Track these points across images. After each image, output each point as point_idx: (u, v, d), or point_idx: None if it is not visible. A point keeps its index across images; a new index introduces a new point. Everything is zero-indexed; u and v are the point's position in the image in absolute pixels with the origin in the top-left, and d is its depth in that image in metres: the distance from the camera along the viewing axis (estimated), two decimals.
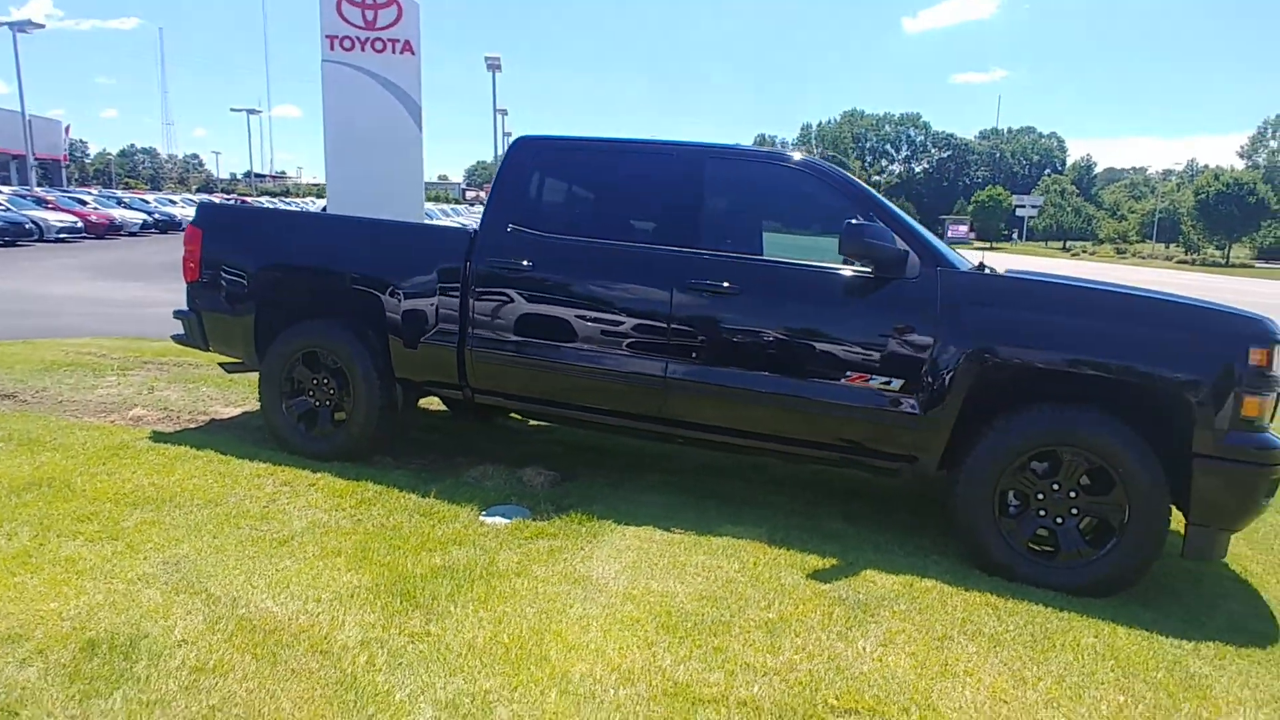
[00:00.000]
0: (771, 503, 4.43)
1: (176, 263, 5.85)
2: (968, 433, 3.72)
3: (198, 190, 78.30)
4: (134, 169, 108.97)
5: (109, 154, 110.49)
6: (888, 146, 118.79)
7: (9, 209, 24.81)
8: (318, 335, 4.74)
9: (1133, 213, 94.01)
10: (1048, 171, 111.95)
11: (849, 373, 3.82)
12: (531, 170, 4.54)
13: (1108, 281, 4.52)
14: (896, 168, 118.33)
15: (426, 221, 5.15)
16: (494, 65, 32.21)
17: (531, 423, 5.95)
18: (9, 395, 5.78)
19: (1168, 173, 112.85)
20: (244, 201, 43.82)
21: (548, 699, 2.46)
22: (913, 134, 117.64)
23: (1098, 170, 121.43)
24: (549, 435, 5.73)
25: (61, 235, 25.26)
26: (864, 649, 2.89)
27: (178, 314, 5.15)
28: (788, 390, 3.91)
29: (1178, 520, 3.65)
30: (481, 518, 3.91)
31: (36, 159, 45.12)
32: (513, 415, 5.88)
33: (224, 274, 4.92)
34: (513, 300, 4.34)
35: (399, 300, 4.51)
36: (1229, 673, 3.03)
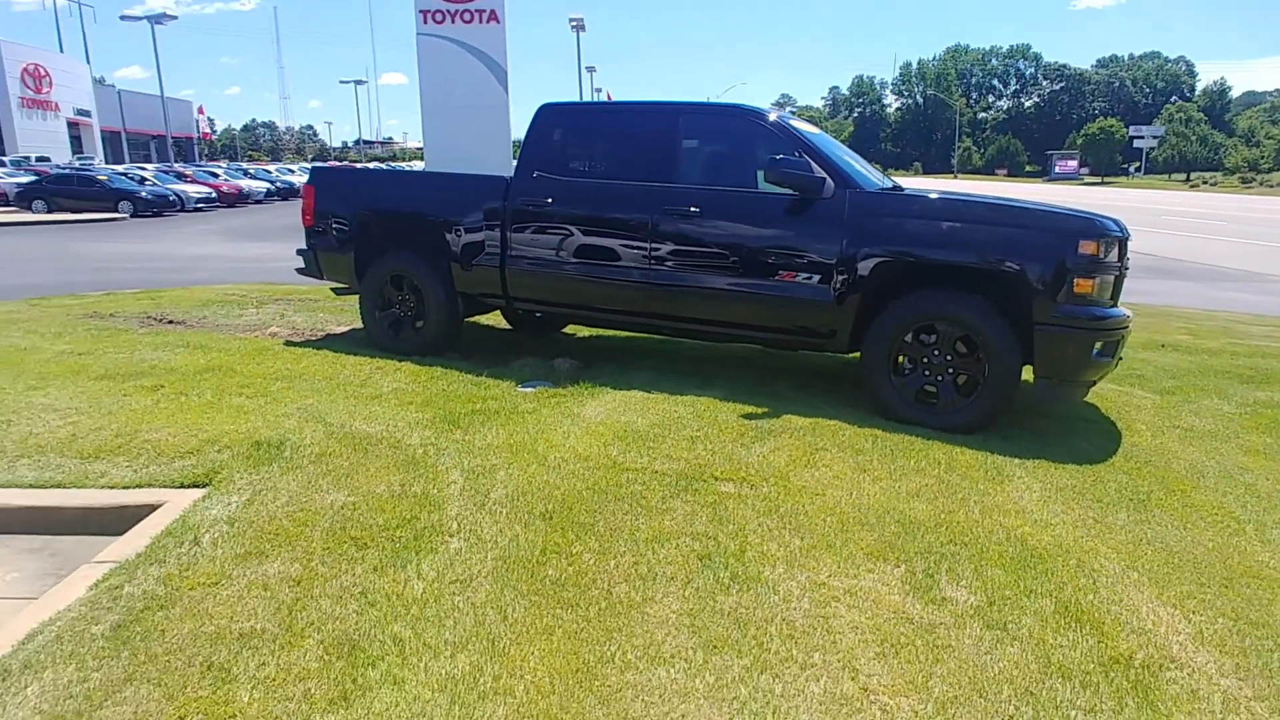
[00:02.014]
0: (740, 377, 5.71)
1: (297, 225, 7.56)
2: (871, 313, 4.90)
3: (313, 159, 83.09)
4: (255, 142, 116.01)
5: (234, 129, 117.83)
6: (994, 81, 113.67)
7: (156, 184, 28.00)
8: (401, 263, 6.26)
9: (1270, 139, 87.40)
10: (1173, 99, 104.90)
11: (781, 272, 5.04)
12: (552, 129, 5.88)
13: (987, 195, 5.52)
14: (1004, 103, 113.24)
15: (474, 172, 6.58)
16: (578, 26, 33.49)
17: (581, 333, 7.38)
18: (181, 322, 7.61)
19: None
20: (353, 166, 46.73)
21: (530, 467, 3.89)
22: (1022, 66, 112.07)
23: (1234, 95, 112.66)
24: (583, 342, 7.16)
25: (199, 205, 28.33)
26: (755, 451, 4.19)
27: (300, 251, 6.79)
28: (735, 287, 5.16)
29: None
30: (517, 388, 5.37)
31: (173, 138, 49.42)
32: (564, 330, 7.32)
33: (331, 220, 6.51)
34: (538, 229, 5.72)
35: (456, 234, 5.97)
36: (1033, 472, 4.15)
